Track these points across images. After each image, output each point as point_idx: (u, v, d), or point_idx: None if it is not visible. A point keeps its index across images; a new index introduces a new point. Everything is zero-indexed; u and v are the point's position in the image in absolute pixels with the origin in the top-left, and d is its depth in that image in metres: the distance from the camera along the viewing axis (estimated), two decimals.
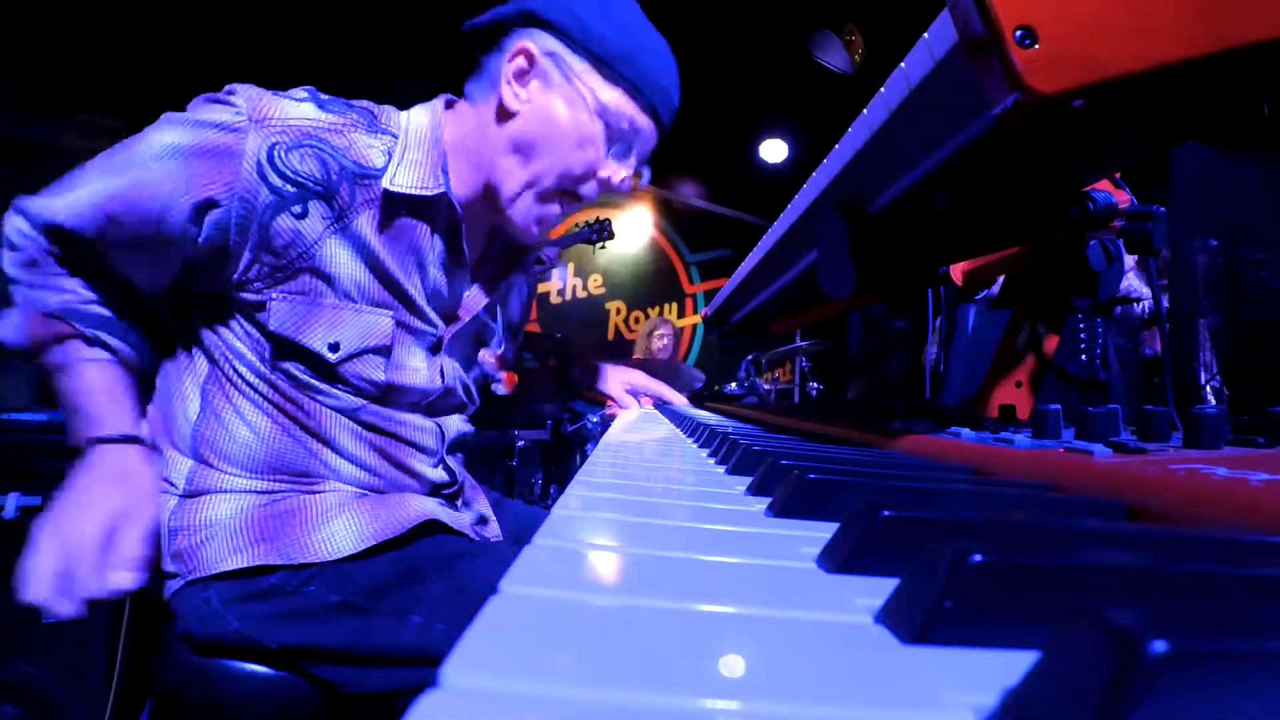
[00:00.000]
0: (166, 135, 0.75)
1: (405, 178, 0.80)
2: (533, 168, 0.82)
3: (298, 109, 0.77)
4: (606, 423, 2.82)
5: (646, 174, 0.90)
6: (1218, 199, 1.83)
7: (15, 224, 0.78)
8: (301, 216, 0.76)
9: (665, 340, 3.82)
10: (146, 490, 0.79)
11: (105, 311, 0.81)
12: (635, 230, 5.16)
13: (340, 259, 0.79)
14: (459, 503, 1.00)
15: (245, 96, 0.76)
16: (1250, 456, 0.44)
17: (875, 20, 3.87)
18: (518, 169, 0.82)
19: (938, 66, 0.45)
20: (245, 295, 0.79)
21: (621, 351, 4.84)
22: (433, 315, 0.88)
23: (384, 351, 0.83)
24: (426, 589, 0.80)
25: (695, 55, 4.14)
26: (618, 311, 5.15)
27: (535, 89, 0.81)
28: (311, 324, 0.79)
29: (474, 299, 0.94)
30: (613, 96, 0.81)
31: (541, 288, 4.82)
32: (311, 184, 0.76)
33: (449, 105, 0.88)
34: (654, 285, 5.26)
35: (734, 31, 3.92)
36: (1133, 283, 2.54)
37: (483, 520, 1.01)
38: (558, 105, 0.81)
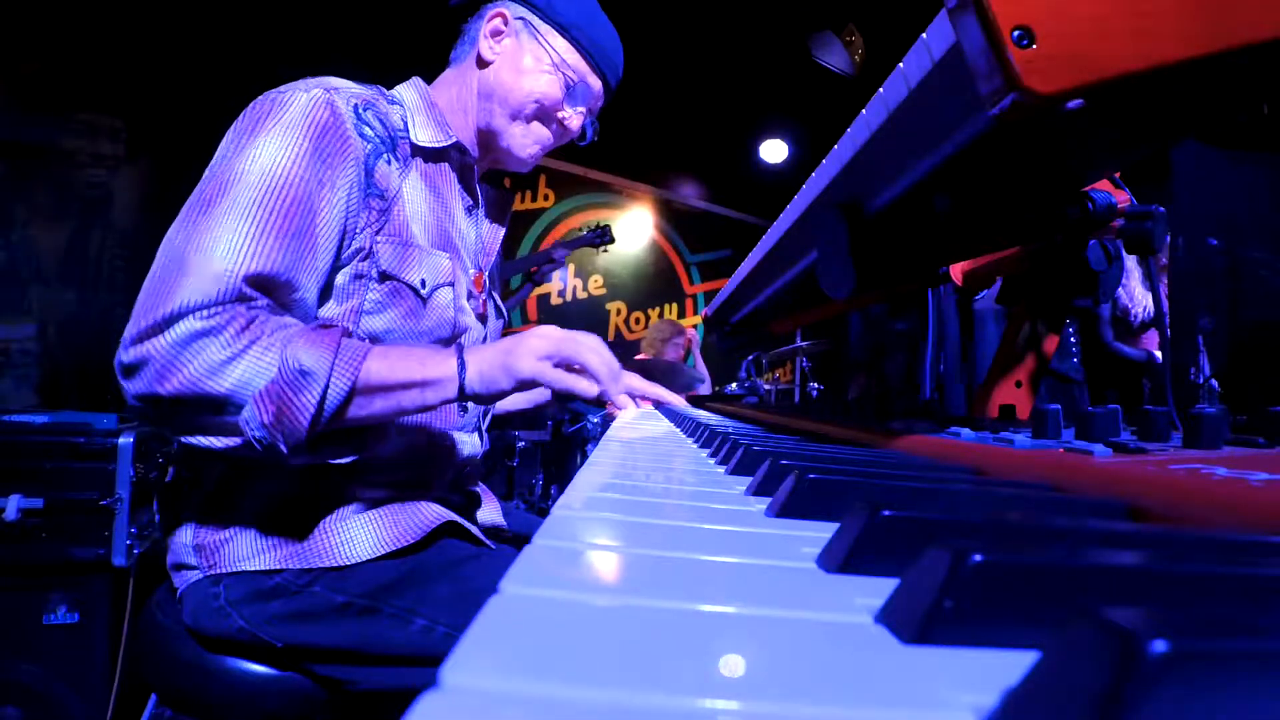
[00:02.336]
0: (272, 146, 0.76)
1: (424, 135, 0.92)
2: (510, 103, 0.96)
3: (345, 81, 0.86)
4: (606, 423, 2.82)
5: (594, 130, 1.05)
6: (1218, 199, 1.83)
7: (189, 322, 0.67)
8: (388, 164, 0.86)
9: (678, 349, 3.81)
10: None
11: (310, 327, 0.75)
12: (636, 231, 5.15)
13: (412, 203, 0.89)
14: (475, 512, 1.01)
15: (300, 83, 0.82)
16: (1250, 456, 0.44)
17: (875, 21, 3.86)
18: (499, 109, 0.97)
19: (936, 67, 0.45)
20: (357, 245, 0.83)
21: (623, 352, 4.83)
22: (467, 257, 0.98)
23: (451, 287, 0.92)
24: (431, 591, 0.80)
25: (695, 55, 4.13)
26: (618, 312, 5.14)
27: (508, 44, 0.96)
28: (405, 262, 0.86)
29: (491, 236, 1.06)
30: (570, 55, 0.97)
31: (542, 288, 4.81)
32: (381, 138, 0.85)
33: (428, 81, 1.00)
34: (654, 286, 5.26)
35: (734, 31, 3.91)
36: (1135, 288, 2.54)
37: (496, 529, 1.01)
38: (526, 57, 0.96)
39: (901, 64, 0.49)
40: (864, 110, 0.57)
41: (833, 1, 3.89)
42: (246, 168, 0.74)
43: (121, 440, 1.53)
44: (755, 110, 4.69)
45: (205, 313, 0.68)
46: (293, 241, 0.75)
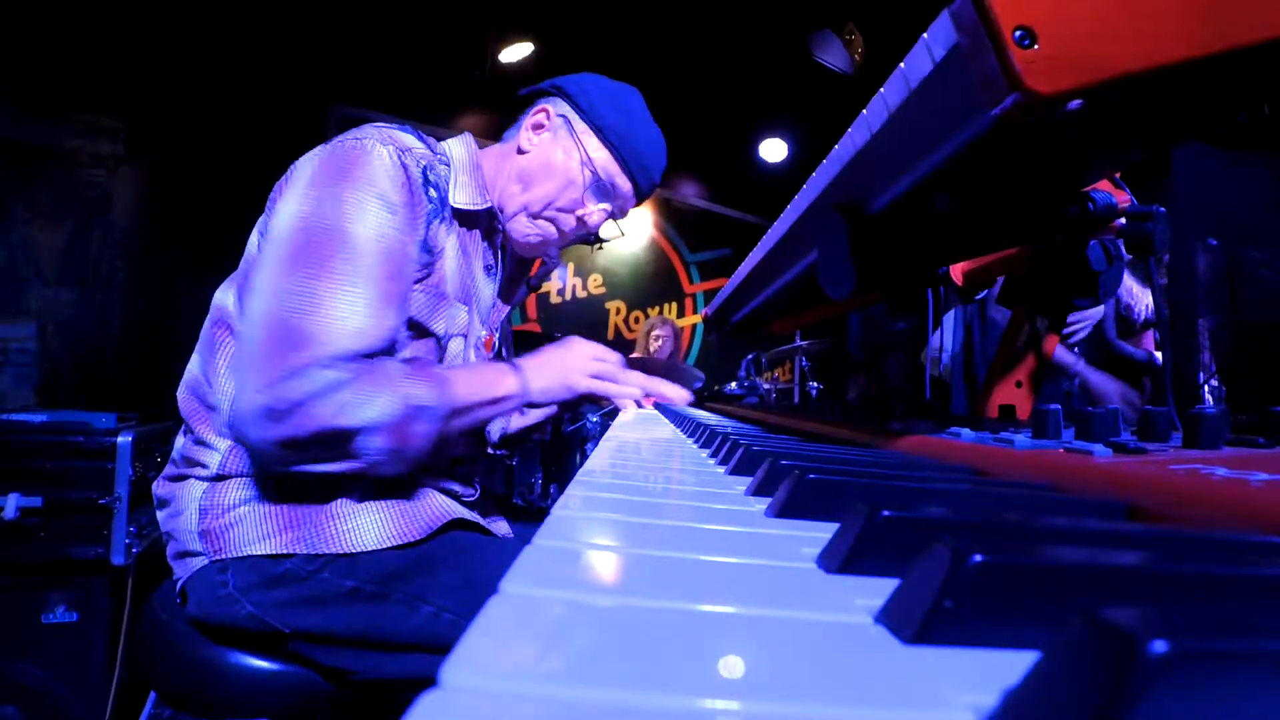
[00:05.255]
0: (373, 206, 0.82)
1: (462, 196, 0.97)
2: (528, 195, 1.01)
3: (413, 140, 0.92)
4: (606, 423, 2.81)
5: (618, 228, 1.10)
6: (1218, 199, 1.83)
7: (318, 377, 0.75)
8: (440, 222, 0.92)
9: (661, 341, 3.81)
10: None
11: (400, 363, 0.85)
12: (635, 230, 5.15)
13: (450, 259, 0.95)
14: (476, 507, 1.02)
15: (376, 134, 0.87)
16: (1250, 456, 0.44)
17: (875, 20, 3.86)
18: (518, 194, 1.01)
19: (937, 67, 0.45)
20: None
21: (621, 351, 4.83)
22: (479, 313, 1.03)
23: (464, 338, 0.99)
24: (437, 578, 0.82)
25: (695, 55, 4.14)
26: (617, 311, 5.14)
27: (545, 139, 1.02)
28: (435, 312, 0.93)
29: (499, 307, 1.11)
30: (601, 156, 1.01)
31: (542, 287, 4.81)
32: (436, 200, 0.92)
33: (477, 141, 1.04)
34: (654, 285, 5.25)
35: (734, 31, 3.91)
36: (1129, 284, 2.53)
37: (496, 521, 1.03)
38: (558, 152, 1.01)
39: (902, 64, 0.49)
40: (864, 110, 0.57)
41: (833, 1, 3.89)
42: (356, 228, 0.80)
43: (120, 439, 1.53)
44: (755, 110, 4.68)
45: (341, 364, 0.76)
46: (401, 302, 0.85)
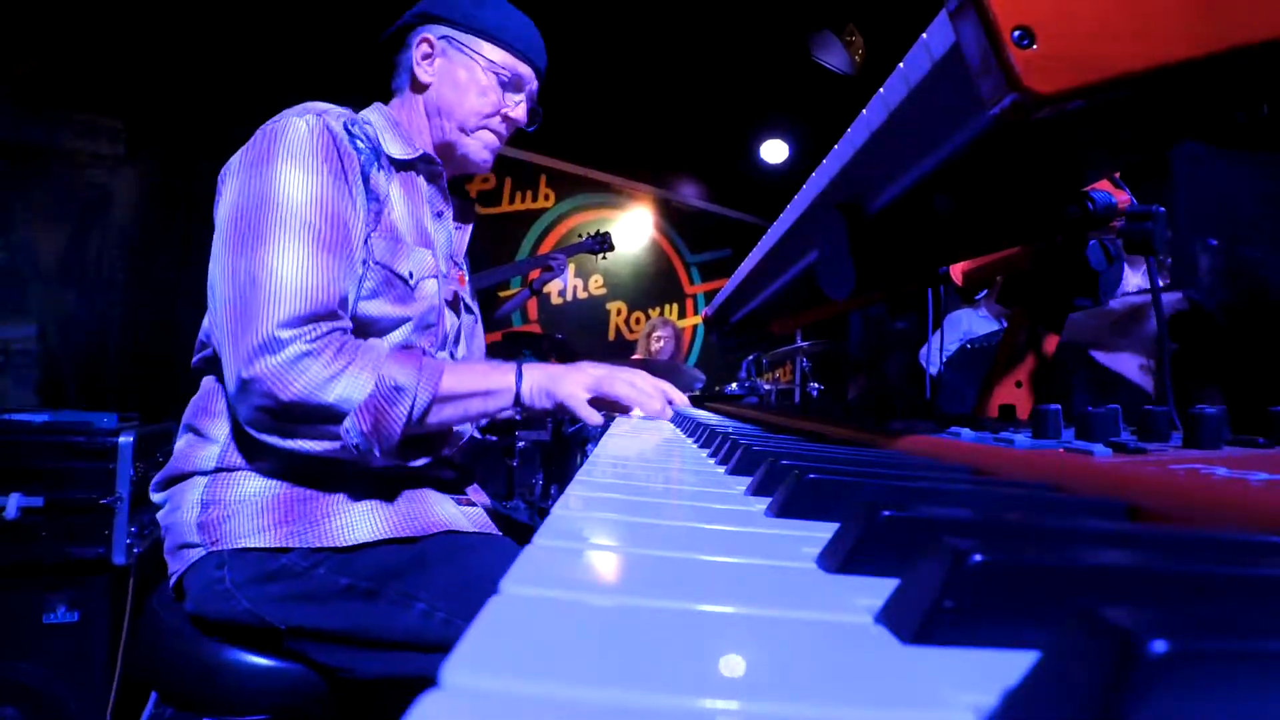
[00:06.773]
0: (293, 174, 0.85)
1: (395, 149, 1.00)
2: (456, 117, 1.05)
3: (329, 105, 0.94)
4: (607, 423, 2.80)
5: (539, 114, 1.14)
6: (1218, 199, 1.83)
7: (289, 352, 0.78)
8: (378, 170, 0.95)
9: (663, 342, 3.81)
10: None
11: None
12: (636, 231, 5.15)
13: (396, 207, 0.98)
14: (467, 490, 1.04)
15: (292, 111, 0.90)
16: (1250, 456, 0.44)
17: (875, 20, 3.86)
18: (447, 123, 1.06)
19: (936, 67, 0.45)
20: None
21: (622, 352, 4.84)
22: (441, 256, 1.05)
23: (436, 279, 1.01)
24: (431, 577, 0.82)
25: (695, 55, 4.13)
26: (618, 312, 5.14)
27: (439, 64, 1.05)
28: (398, 255, 0.95)
29: (459, 238, 1.16)
30: (497, 55, 1.05)
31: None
32: (370, 148, 0.94)
33: (385, 104, 1.08)
34: (654, 286, 5.25)
35: (734, 31, 3.91)
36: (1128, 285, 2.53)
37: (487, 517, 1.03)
38: (458, 70, 1.04)
39: (901, 64, 0.49)
40: (864, 110, 0.57)
41: (833, 1, 3.89)
42: (284, 196, 0.83)
43: (121, 439, 1.53)
44: (755, 110, 4.68)
45: (308, 336, 0.80)
46: (345, 253, 0.86)
